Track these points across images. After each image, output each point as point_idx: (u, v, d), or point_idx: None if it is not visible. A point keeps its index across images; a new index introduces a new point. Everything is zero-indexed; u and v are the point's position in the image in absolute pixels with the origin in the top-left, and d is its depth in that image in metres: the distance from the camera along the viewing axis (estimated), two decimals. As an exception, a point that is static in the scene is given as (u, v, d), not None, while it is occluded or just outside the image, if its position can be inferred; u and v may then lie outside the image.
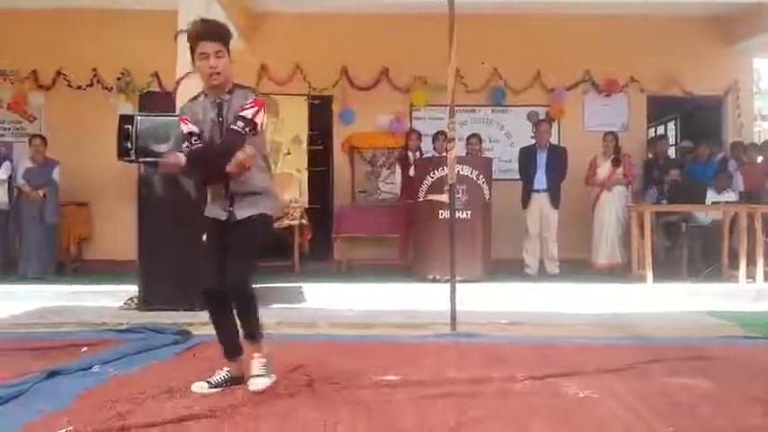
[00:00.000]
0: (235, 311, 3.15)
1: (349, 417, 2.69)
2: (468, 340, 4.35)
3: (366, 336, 4.59)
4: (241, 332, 3.19)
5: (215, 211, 3.16)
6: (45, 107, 9.04)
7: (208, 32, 3.04)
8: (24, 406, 2.82)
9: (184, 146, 3.13)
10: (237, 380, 3.18)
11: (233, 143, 3.03)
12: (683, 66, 9.12)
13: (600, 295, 6.37)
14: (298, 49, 8.92)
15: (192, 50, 3.05)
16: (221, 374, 3.17)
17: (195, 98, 3.19)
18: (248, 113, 3.04)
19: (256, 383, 3.08)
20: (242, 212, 3.11)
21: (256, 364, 3.15)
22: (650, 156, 8.87)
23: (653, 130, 10.49)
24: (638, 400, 2.92)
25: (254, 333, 3.17)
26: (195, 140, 3.10)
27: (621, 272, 7.74)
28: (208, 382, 3.11)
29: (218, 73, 3.03)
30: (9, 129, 9.14)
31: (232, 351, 3.22)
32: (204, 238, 3.18)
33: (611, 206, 7.95)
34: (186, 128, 3.11)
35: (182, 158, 3.09)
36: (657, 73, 9.14)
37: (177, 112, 6.40)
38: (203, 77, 3.08)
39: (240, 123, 3.03)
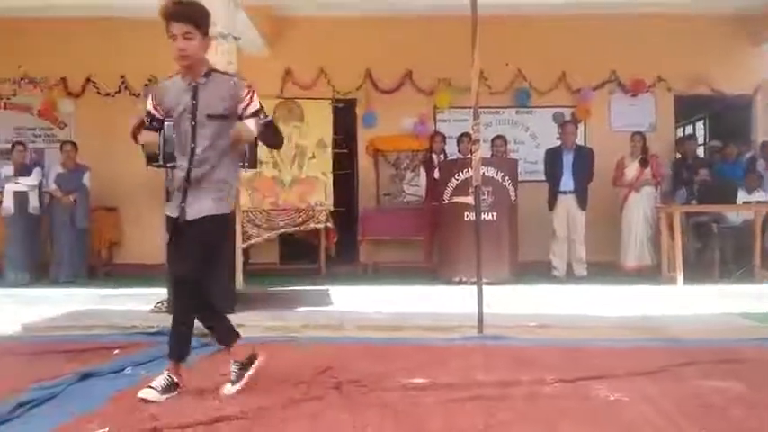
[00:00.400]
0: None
1: (377, 419, 2.69)
2: (496, 343, 4.32)
3: (393, 338, 4.58)
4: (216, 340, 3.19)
5: (170, 206, 3.10)
6: (75, 114, 9.22)
7: (176, 13, 2.94)
8: (58, 408, 2.86)
9: (146, 122, 3.09)
10: (176, 385, 3.06)
11: (279, 131, 3.17)
12: (711, 64, 9.00)
13: (629, 297, 6.30)
14: (322, 53, 8.97)
15: (166, 29, 2.98)
16: (164, 377, 3.04)
17: (170, 78, 3.12)
18: (257, 105, 3.04)
19: (226, 390, 3.06)
20: (193, 212, 3.01)
21: (232, 367, 3.14)
22: (679, 156, 8.75)
23: (681, 129, 10.35)
24: (669, 403, 2.88)
25: (228, 338, 3.18)
26: (149, 122, 3.08)
27: (650, 274, 7.64)
28: (154, 388, 2.97)
29: (187, 56, 2.96)
30: (40, 135, 9.33)
31: (179, 353, 3.14)
32: (168, 240, 3.13)
33: (640, 207, 7.86)
34: (149, 106, 3.10)
35: (250, 129, 3.02)
36: (685, 72, 9.03)
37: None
38: (174, 58, 3.00)
39: (262, 115, 3.06)
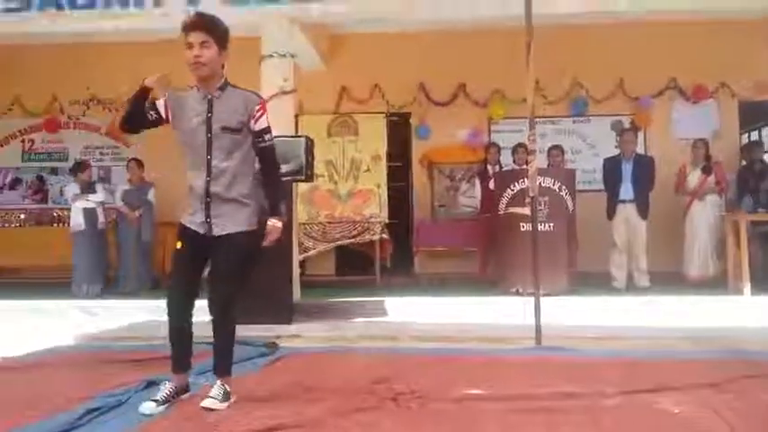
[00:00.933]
0: (213, 338, 3.12)
1: (433, 429, 2.68)
2: (554, 354, 4.24)
3: (449, 349, 4.56)
4: (213, 362, 3.16)
5: (194, 222, 3.09)
6: (142, 132, 9.54)
7: (194, 23, 2.99)
8: (123, 415, 2.96)
9: (148, 110, 3.15)
10: (182, 391, 3.17)
11: (275, 157, 3.15)
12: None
13: (693, 308, 6.09)
14: (376, 68, 9.07)
15: (185, 41, 3.02)
16: (165, 389, 3.11)
17: (188, 89, 3.17)
18: (265, 124, 3.09)
19: (207, 402, 3.00)
20: (219, 228, 3.04)
21: (216, 387, 3.09)
22: (744, 163, 8.45)
23: (746, 136, 9.99)
24: (734, 417, 2.78)
25: (224, 366, 3.13)
26: (154, 116, 3.14)
27: (715, 284, 7.38)
28: (155, 400, 3.03)
29: (203, 63, 2.99)
30: (107, 154, 9.71)
31: (182, 365, 3.20)
32: (179, 246, 3.11)
33: (703, 216, 7.61)
34: (160, 104, 3.14)
35: (278, 225, 3.13)
36: (750, 77, 8.72)
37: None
38: (189, 67, 3.04)
39: (267, 137, 3.10)
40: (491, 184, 7.82)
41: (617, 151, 8.00)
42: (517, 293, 6.65)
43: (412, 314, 6.14)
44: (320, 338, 4.92)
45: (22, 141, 9.86)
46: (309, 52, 7.95)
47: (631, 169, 7.57)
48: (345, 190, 8.74)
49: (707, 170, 7.67)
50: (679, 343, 4.63)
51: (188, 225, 3.09)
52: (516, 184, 7.10)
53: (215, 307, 3.07)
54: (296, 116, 7.78)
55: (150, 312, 6.46)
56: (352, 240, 8.54)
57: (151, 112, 3.14)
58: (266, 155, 3.12)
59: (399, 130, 9.31)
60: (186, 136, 3.09)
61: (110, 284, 8.11)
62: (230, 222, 3.04)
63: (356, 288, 7.76)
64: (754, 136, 10.09)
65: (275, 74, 6.93)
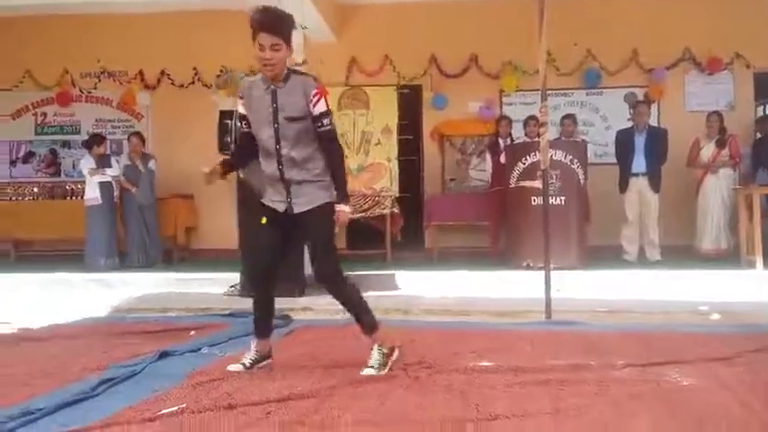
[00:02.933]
0: (343, 305, 3.25)
1: (444, 400, 2.71)
2: (565, 328, 4.26)
3: (460, 322, 4.59)
4: (359, 325, 3.27)
5: (273, 200, 3.18)
6: (151, 105, 9.57)
7: (266, 24, 3.00)
8: (138, 385, 3.01)
9: (242, 125, 3.20)
10: (266, 356, 3.31)
11: (336, 142, 3.18)
12: (794, 39, 8.52)
13: (705, 282, 6.08)
14: (386, 39, 8.99)
15: (252, 37, 3.04)
16: (251, 354, 3.27)
17: (256, 76, 3.22)
18: (323, 108, 3.09)
19: (367, 371, 3.15)
20: (301, 206, 3.12)
21: (375, 353, 3.21)
22: (759, 136, 8.35)
23: (762, 108, 9.85)
24: (744, 390, 2.78)
25: (368, 323, 3.25)
26: (246, 124, 3.18)
27: (728, 258, 7.35)
28: (242, 363, 3.22)
29: (273, 65, 3.03)
30: (119, 127, 9.73)
31: (264, 331, 3.32)
32: (263, 220, 3.19)
33: (717, 190, 7.56)
34: (240, 108, 3.20)
35: (347, 210, 3.17)
36: (765, 48, 8.57)
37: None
38: (259, 66, 3.09)
39: (325, 121, 3.10)
40: (502, 158, 7.78)
41: (630, 124, 7.92)
42: (528, 267, 6.65)
43: (422, 288, 6.17)
44: (331, 311, 4.94)
45: (34, 114, 9.87)
46: (320, 24, 7.89)
47: (644, 142, 7.51)
48: (356, 164, 8.73)
49: (721, 143, 7.59)
50: (690, 317, 4.64)
51: (268, 204, 3.19)
52: (527, 157, 7.05)
53: (327, 276, 3.19)
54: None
55: (162, 285, 6.55)
56: (363, 214, 8.54)
57: (243, 123, 3.21)
58: (326, 139, 3.15)
59: (410, 103, 9.25)
60: (255, 127, 3.15)
61: (123, 258, 8.19)
62: (310, 199, 3.12)
63: (367, 262, 7.79)
64: (770, 109, 9.96)
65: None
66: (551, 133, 6.68)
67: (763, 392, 2.76)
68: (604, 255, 7.51)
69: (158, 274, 7.23)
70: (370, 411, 2.57)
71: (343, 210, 3.14)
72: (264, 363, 3.29)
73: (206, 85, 9.32)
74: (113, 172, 8.08)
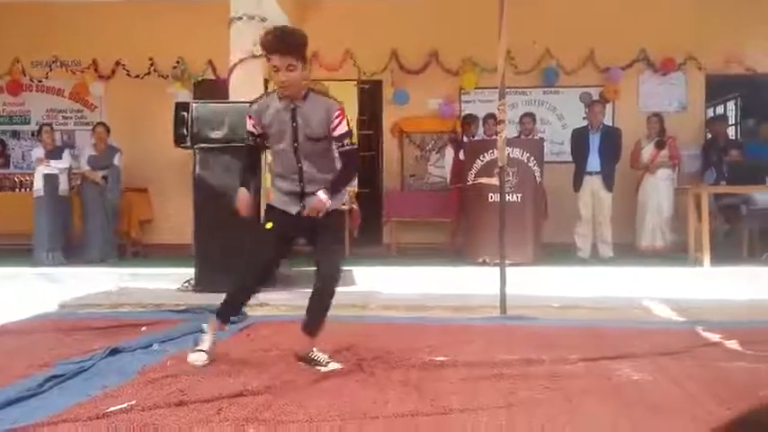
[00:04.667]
0: (314, 303, 3.25)
1: (398, 395, 2.72)
2: (518, 323, 4.32)
3: (416, 317, 4.61)
4: (304, 323, 3.27)
5: (286, 203, 3.20)
6: (105, 96, 9.35)
7: (279, 46, 3.01)
8: (87, 382, 2.94)
9: (248, 138, 3.26)
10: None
11: (356, 160, 3.23)
12: (744, 43, 8.77)
13: (655, 279, 6.24)
14: (348, 34, 8.95)
15: (267, 58, 3.08)
16: (209, 339, 3.31)
17: (268, 96, 3.23)
18: (344, 129, 3.13)
19: (334, 365, 3.17)
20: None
21: (318, 353, 3.25)
22: (709, 136, 8.59)
23: (712, 109, 10.14)
24: (693, 384, 2.86)
25: (317, 329, 3.25)
26: (253, 139, 3.24)
27: (668, 255, 7.56)
28: (202, 350, 3.25)
29: (289, 86, 3.05)
30: (71, 117, 9.49)
31: (230, 319, 3.47)
32: (269, 226, 3.24)
33: (654, 189, 7.79)
34: (250, 126, 3.22)
35: (324, 198, 3.10)
36: (717, 51, 8.81)
37: (231, 99, 6.58)
38: (275, 86, 3.13)
39: (346, 141, 3.14)
40: (461, 155, 7.83)
41: (585, 123, 8.06)
42: (484, 263, 6.71)
43: (380, 283, 6.17)
44: (287, 306, 4.93)
45: (-18, 104, 9.57)
46: (280, 16, 7.79)
47: (598, 141, 7.65)
48: (315, 158, 8.67)
49: (660, 144, 7.80)
50: (640, 313, 4.74)
51: (279, 207, 3.21)
52: (485, 154, 7.11)
53: (332, 278, 3.20)
54: (265, 81, 7.65)
55: (115, 280, 6.40)
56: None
57: (256, 139, 3.25)
58: (346, 158, 3.19)
59: (371, 98, 9.24)
60: (275, 145, 3.18)
61: (75, 252, 7.98)
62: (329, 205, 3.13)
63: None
64: (720, 110, 10.27)
65: (244, 37, 6.79)
66: (509, 131, 6.75)
67: (710, 386, 2.84)
68: (559, 251, 7.64)
69: (111, 269, 7.07)
70: (324, 407, 2.56)
71: (322, 198, 3.07)
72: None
73: (162, 77, 9.15)
74: (63, 164, 7.85)
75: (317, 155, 3.14)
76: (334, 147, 3.16)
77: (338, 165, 3.20)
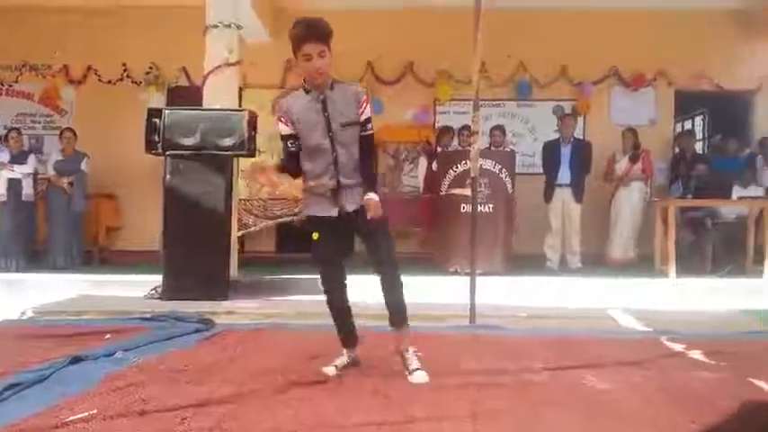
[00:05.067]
0: (388, 295, 3.28)
1: (365, 405, 2.70)
2: (487, 332, 4.34)
3: (385, 326, 4.56)
4: (390, 319, 3.32)
5: (322, 207, 3.20)
6: (75, 101, 9.23)
7: (311, 34, 3.06)
8: (47, 390, 2.86)
9: (288, 145, 3.18)
10: (356, 363, 3.37)
11: (374, 144, 3.32)
12: (712, 60, 8.92)
13: (621, 290, 6.31)
14: (323, 43, 8.92)
15: (295, 51, 3.08)
16: (343, 359, 3.34)
17: (290, 95, 3.26)
18: (368, 113, 3.19)
19: (419, 377, 3.12)
20: (351, 205, 3.18)
21: (412, 357, 3.25)
22: (677, 151, 8.75)
23: (681, 124, 10.33)
24: (658, 394, 2.89)
25: (401, 320, 3.31)
26: (292, 143, 3.17)
27: (641, 267, 7.67)
28: (334, 366, 3.27)
29: (324, 73, 3.08)
30: (40, 122, 9.35)
31: (351, 340, 3.41)
32: (315, 237, 3.28)
33: (627, 202, 7.92)
34: (286, 130, 3.17)
35: (376, 198, 3.16)
36: (686, 67, 8.98)
37: (206, 106, 6.53)
38: (307, 76, 3.12)
39: (369, 126, 3.20)
40: (434, 165, 7.87)
41: (556, 135, 8.15)
42: (455, 273, 6.73)
43: (350, 292, 6.13)
44: (256, 315, 4.90)
45: (-51, 107, 9.37)
46: (255, 24, 7.79)
47: (569, 153, 7.74)
48: (290, 167, 8.65)
49: (634, 158, 7.93)
50: (606, 323, 4.79)
51: (319, 215, 3.22)
52: (458, 165, 7.15)
53: (393, 262, 3.26)
54: (240, 89, 7.63)
55: (80, 288, 6.29)
56: (294, 218, 8.48)
57: (289, 142, 3.19)
58: (367, 142, 3.23)
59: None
60: (308, 139, 3.15)
61: (39, 258, 7.83)
62: (358, 199, 3.17)
63: (297, 265, 7.67)
64: (688, 125, 10.46)
65: (219, 44, 6.77)
66: (483, 143, 6.80)
67: (674, 395, 2.87)
68: (529, 262, 7.68)
69: (77, 275, 6.94)
70: (290, 417, 2.53)
71: (373, 197, 3.14)
72: (353, 367, 3.33)
73: (135, 82, 9.06)
74: (26, 169, 7.72)
75: (350, 142, 3.15)
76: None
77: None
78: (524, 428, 2.45)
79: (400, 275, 3.27)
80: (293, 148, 3.18)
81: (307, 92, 3.14)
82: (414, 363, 3.20)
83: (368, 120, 3.19)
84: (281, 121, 3.16)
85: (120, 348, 3.64)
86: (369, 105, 3.21)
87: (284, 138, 3.19)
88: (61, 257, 7.71)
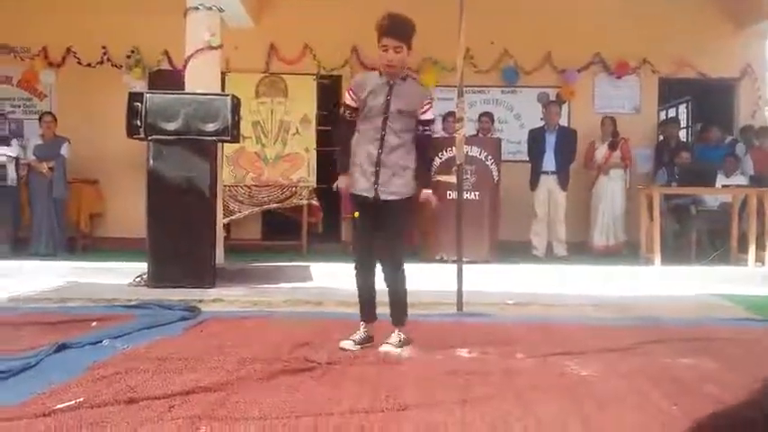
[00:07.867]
0: (388, 291, 3.53)
1: (354, 392, 2.71)
2: (474, 320, 4.37)
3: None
4: (388, 312, 3.53)
5: (362, 186, 3.43)
6: (55, 84, 9.07)
7: (393, 30, 3.40)
8: (34, 378, 2.85)
9: (345, 114, 3.50)
10: (371, 338, 3.54)
11: (433, 145, 3.77)
12: (696, 48, 8.98)
13: (607, 277, 6.37)
14: (307, 28, 8.86)
15: (378, 38, 3.41)
16: (360, 333, 3.52)
17: (370, 72, 3.62)
18: (431, 116, 3.52)
19: (386, 347, 3.41)
20: (387, 194, 3.40)
21: (395, 336, 3.48)
22: (661, 138, 8.81)
23: (664, 112, 10.40)
24: (641, 379, 2.93)
25: (400, 317, 3.53)
26: (350, 114, 3.47)
27: (618, 254, 7.74)
28: (352, 340, 3.47)
29: (394, 66, 3.38)
30: (19, 106, 9.17)
31: (369, 314, 3.59)
32: (356, 215, 3.52)
33: (608, 189, 8.02)
34: (349, 100, 3.48)
35: (431, 192, 3.57)
36: (670, 55, 9.01)
37: (188, 90, 6.45)
38: (380, 65, 3.44)
39: (430, 128, 3.53)
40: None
41: (542, 123, 8.17)
42: (441, 261, 6.75)
43: (337, 280, 6.13)
44: (242, 302, 4.88)
45: (-75, 90, 9.18)
46: (238, 7, 7.69)
47: (554, 141, 7.76)
48: (273, 153, 8.60)
49: (613, 146, 7.98)
50: (592, 310, 4.84)
51: (359, 193, 3.47)
52: (444, 152, 7.13)
53: (390, 262, 3.52)
54: (222, 74, 7.54)
55: (64, 275, 6.23)
56: (280, 205, 8.44)
57: (347, 112, 3.50)
58: (426, 141, 3.54)
59: (330, 94, 9.18)
60: (367, 113, 3.42)
61: (23, 244, 7.73)
62: (394, 188, 3.42)
63: (282, 253, 7.69)
64: (672, 113, 10.54)
65: (201, 27, 6.67)
66: (468, 129, 6.79)
67: (657, 381, 2.91)
68: (515, 249, 7.72)
69: (60, 262, 6.87)
70: (278, 404, 2.53)
71: (429, 193, 3.55)
72: (369, 344, 3.49)
73: (116, 66, 8.92)
74: (10, 152, 7.60)
75: (400, 130, 3.39)
76: (416, 128, 3.43)
77: (411, 155, 3.44)
78: (512, 414, 2.47)
79: (403, 276, 3.55)
80: (348, 117, 3.49)
81: (381, 74, 3.43)
82: (393, 338, 3.46)
83: (430, 121, 3.49)
84: (349, 91, 3.47)
85: (106, 336, 3.62)
86: (432, 109, 3.49)
87: (345, 106, 3.49)
88: (43, 244, 7.61)
